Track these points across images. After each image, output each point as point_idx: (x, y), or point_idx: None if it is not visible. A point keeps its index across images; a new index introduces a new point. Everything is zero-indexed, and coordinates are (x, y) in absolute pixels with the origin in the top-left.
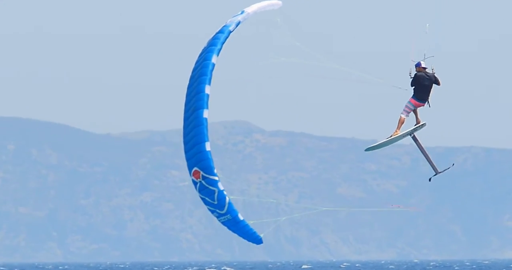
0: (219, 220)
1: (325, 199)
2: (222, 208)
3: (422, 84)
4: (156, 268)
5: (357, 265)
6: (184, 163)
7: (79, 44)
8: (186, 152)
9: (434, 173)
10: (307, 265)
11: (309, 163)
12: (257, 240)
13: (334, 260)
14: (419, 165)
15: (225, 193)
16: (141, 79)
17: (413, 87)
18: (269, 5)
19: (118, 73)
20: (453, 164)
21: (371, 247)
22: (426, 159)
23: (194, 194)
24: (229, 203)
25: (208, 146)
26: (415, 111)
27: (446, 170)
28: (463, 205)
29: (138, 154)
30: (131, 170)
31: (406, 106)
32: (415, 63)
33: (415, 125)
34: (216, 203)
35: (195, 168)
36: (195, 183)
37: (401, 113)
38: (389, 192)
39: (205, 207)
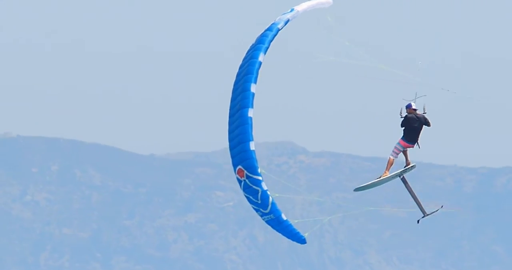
0: (262, 219)
1: (369, 219)
2: (265, 207)
3: (412, 126)
4: None
5: None
6: (228, 184)
7: (124, 63)
8: (230, 149)
9: (422, 215)
10: None
11: (353, 184)
12: (300, 240)
13: None
14: (463, 186)
15: (268, 193)
16: (185, 100)
17: (403, 128)
18: (319, 3)
19: (162, 93)
20: (442, 206)
21: (415, 268)
22: (415, 200)
23: (238, 215)
24: (273, 203)
25: (252, 145)
26: (405, 153)
27: (434, 212)
28: (507, 225)
29: (182, 175)
30: (175, 191)
31: (395, 147)
32: (406, 104)
33: (405, 167)
34: (259, 202)
35: (239, 166)
36: (239, 181)
37: (390, 154)
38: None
39: (249, 228)
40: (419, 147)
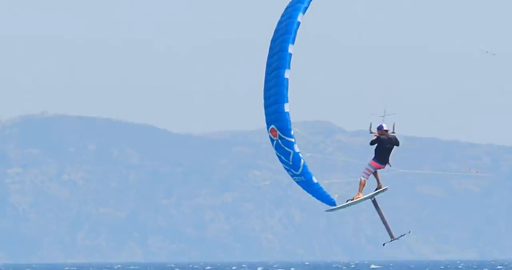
0: (293, 179)
1: (406, 198)
2: (297, 169)
3: (385, 148)
4: (234, 268)
5: (441, 267)
6: (265, 164)
7: (157, 46)
8: (265, 107)
9: (390, 239)
10: (376, 265)
11: (391, 162)
12: (331, 202)
13: (414, 259)
14: (500, 165)
15: (300, 155)
16: (223, 79)
17: (375, 149)
18: None
19: (200, 73)
20: (409, 231)
21: (452, 247)
22: (384, 224)
23: (274, 194)
24: (304, 166)
25: (287, 107)
26: (376, 175)
27: (401, 236)
28: None
29: (219, 154)
30: (212, 170)
31: (367, 168)
32: (377, 126)
33: (376, 190)
34: (291, 163)
35: (273, 126)
36: (272, 140)
37: (362, 176)
38: (470, 191)
39: (286, 207)
40: (390, 166)
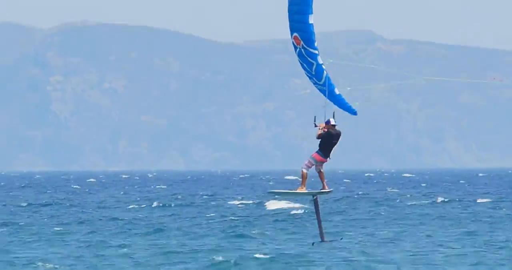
0: (315, 86)
1: (447, 106)
2: (319, 79)
3: (331, 142)
4: (268, 177)
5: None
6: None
7: None
8: (290, 13)
9: (320, 240)
10: (409, 174)
11: (430, 70)
12: (352, 111)
13: (456, 167)
14: None
15: (323, 67)
16: None
17: (320, 142)
18: None
19: None
20: (341, 238)
21: (494, 155)
22: (318, 225)
23: (315, 103)
24: (327, 77)
25: (311, 19)
26: (321, 177)
27: (333, 241)
28: None
29: (260, 63)
30: (254, 78)
31: (309, 161)
32: (325, 120)
33: (321, 190)
34: (314, 73)
35: (296, 34)
36: (295, 47)
37: (303, 167)
38: (511, 99)
39: (327, 115)
40: (329, 158)
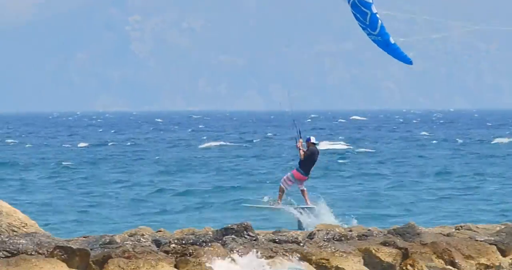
0: (369, 37)
1: None
2: (374, 29)
3: (312, 160)
4: (357, 117)
5: None
6: (385, 12)
7: None
8: None
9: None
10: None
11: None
12: (408, 61)
13: None
14: None
15: (377, 16)
16: None
17: (300, 160)
18: None
19: None
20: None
21: None
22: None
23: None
24: (381, 26)
25: None
26: (303, 194)
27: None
28: None
29: (339, 1)
30: (332, 17)
31: (287, 177)
32: (306, 138)
33: (305, 205)
34: (368, 23)
35: None
36: None
37: (281, 182)
38: None
39: (412, 54)
40: (309, 177)
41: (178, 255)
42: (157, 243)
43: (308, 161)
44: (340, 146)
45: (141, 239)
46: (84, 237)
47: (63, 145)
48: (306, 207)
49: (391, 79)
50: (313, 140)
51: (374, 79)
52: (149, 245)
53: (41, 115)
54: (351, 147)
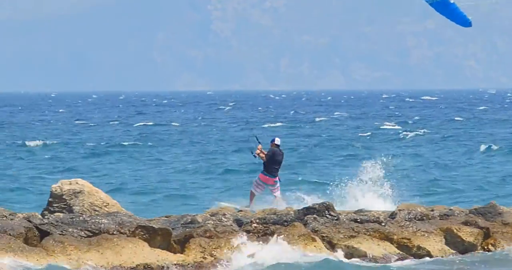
0: (426, 1)
1: None
2: None
3: (275, 160)
4: (427, 97)
5: None
6: None
7: None
8: None
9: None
10: None
11: None
12: (467, 22)
13: None
14: None
15: None
16: None
17: (265, 162)
18: None
19: None
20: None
21: None
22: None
23: (477, 21)
24: None
25: None
26: (276, 200)
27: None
28: None
29: None
30: None
31: (257, 182)
32: (271, 138)
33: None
34: None
35: None
36: None
37: (252, 187)
38: None
39: (488, 34)
40: (279, 180)
41: (260, 235)
42: (239, 222)
43: (271, 162)
44: (395, 126)
45: (223, 218)
46: (165, 217)
47: (134, 124)
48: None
49: (473, 58)
50: (277, 141)
51: (456, 58)
52: (231, 225)
53: (119, 95)
54: (405, 128)
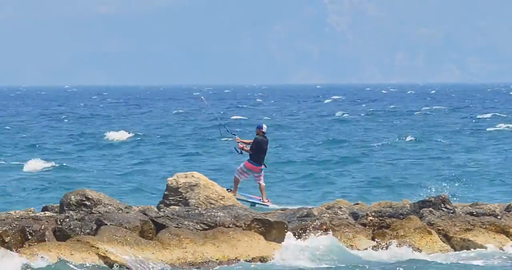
0: None
1: None
2: None
3: (262, 149)
4: None
5: None
6: None
7: None
8: None
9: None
10: None
11: None
12: None
13: None
14: None
15: None
16: None
17: (251, 149)
18: None
19: None
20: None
21: None
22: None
23: None
24: None
25: None
26: (260, 189)
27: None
28: None
29: None
30: None
31: (240, 168)
32: (257, 125)
33: (262, 202)
34: None
35: None
36: None
37: (235, 173)
38: None
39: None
40: (265, 166)
41: (376, 228)
42: (355, 215)
43: (257, 151)
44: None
45: (338, 211)
46: (281, 210)
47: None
48: (261, 204)
49: None
50: (264, 128)
51: None
52: (346, 218)
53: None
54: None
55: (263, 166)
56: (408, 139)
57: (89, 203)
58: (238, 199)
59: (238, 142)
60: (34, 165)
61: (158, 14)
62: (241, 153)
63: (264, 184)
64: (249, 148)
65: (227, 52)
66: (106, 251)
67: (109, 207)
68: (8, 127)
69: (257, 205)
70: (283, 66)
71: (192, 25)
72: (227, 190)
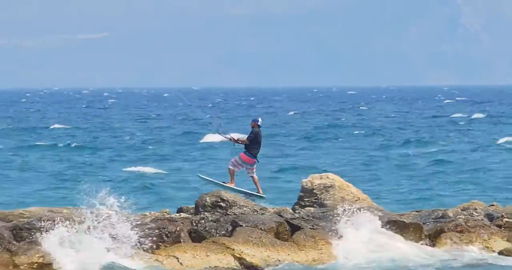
0: None
1: None
2: None
3: (257, 141)
4: None
5: None
6: None
7: None
8: None
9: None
10: None
11: None
12: None
13: None
14: None
15: None
16: None
17: (246, 145)
18: None
19: None
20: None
21: None
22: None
23: None
24: None
25: None
26: (255, 182)
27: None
28: None
29: None
30: None
31: (235, 159)
32: (253, 118)
33: (257, 193)
34: None
35: None
36: None
37: (229, 165)
38: None
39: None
40: (257, 161)
41: (510, 229)
42: (490, 217)
43: (254, 143)
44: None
45: (474, 213)
46: (416, 211)
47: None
48: (257, 195)
49: None
50: (260, 121)
51: None
52: (482, 219)
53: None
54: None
55: (256, 159)
56: None
57: (224, 204)
58: (235, 191)
59: (236, 140)
60: None
61: (296, 16)
62: (239, 143)
63: (257, 176)
64: (246, 138)
65: (359, 53)
66: (242, 252)
67: (244, 209)
68: None
69: (255, 198)
70: (414, 67)
71: (327, 27)
72: (223, 183)
